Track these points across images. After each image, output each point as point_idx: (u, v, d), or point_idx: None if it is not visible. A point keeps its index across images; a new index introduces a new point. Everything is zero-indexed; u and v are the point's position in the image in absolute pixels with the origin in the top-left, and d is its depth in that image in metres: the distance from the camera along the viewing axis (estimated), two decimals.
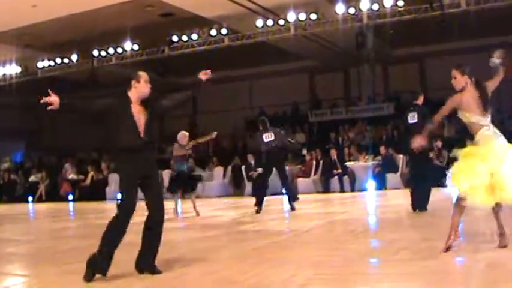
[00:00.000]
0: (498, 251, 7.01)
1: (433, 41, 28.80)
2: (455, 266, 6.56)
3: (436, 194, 13.19)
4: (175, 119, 36.12)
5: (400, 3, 22.69)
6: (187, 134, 15.48)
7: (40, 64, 28.78)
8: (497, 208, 7.14)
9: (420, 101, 13.15)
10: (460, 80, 7.57)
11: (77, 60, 28.31)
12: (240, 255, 8.14)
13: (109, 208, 22.64)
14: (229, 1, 22.47)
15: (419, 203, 12.65)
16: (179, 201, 16.43)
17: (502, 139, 7.18)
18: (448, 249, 7.14)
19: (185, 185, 15.63)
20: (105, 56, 27.75)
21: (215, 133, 16.20)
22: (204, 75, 7.25)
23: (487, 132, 7.15)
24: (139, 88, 6.86)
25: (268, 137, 15.37)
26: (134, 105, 6.85)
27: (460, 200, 7.14)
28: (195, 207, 15.55)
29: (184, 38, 26.16)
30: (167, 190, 15.75)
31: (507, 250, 6.99)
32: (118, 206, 6.88)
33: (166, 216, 6.98)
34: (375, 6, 22.88)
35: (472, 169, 6.97)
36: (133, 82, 6.86)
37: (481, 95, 7.40)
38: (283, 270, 6.66)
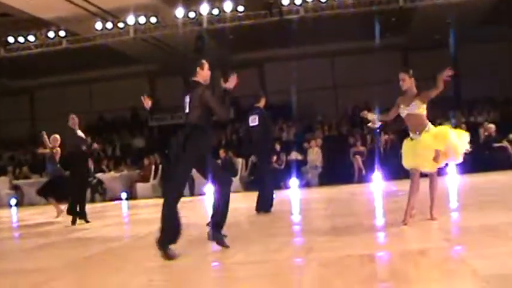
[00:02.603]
0: (330, 251, 7.15)
1: (272, 46, 29.33)
2: (289, 266, 6.61)
3: (276, 196, 13.41)
4: (15, 124, 34.89)
5: (240, 8, 23.06)
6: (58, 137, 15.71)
7: None
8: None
9: (262, 103, 13.18)
10: (407, 81, 8.75)
11: None
12: (73, 263, 7.87)
13: None
14: (68, 3, 21.91)
15: (262, 205, 12.77)
16: None
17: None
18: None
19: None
20: None
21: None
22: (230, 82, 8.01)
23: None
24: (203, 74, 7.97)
25: None
26: None
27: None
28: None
29: (21, 39, 25.31)
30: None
31: (339, 249, 7.15)
32: None
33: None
34: (215, 11, 23.13)
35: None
36: (198, 69, 7.93)
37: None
38: (116, 278, 6.50)
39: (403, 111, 8.82)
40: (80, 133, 14.73)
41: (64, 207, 14.42)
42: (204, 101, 7.70)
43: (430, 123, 8.79)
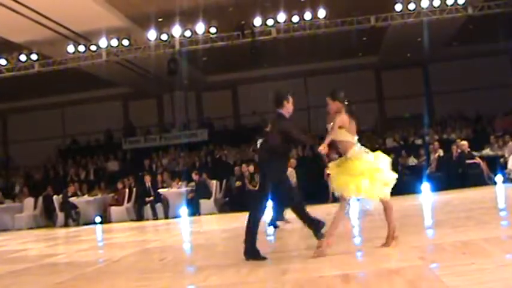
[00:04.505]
0: (305, 272, 7.11)
1: (245, 68, 29.38)
2: None
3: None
4: None
5: (213, 30, 23.07)
6: None
7: None
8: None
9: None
10: (331, 105, 8.32)
11: None
12: None
13: None
14: (40, 26, 21.81)
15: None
16: None
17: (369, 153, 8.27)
18: None
19: None
20: None
21: None
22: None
23: (358, 149, 8.19)
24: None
25: None
26: None
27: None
28: None
29: None
30: None
31: (314, 270, 7.10)
32: None
33: None
34: (187, 33, 23.12)
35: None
36: (284, 102, 8.64)
37: (352, 118, 8.23)
38: None
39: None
40: None
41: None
42: (283, 129, 8.56)
43: (354, 148, 8.23)
